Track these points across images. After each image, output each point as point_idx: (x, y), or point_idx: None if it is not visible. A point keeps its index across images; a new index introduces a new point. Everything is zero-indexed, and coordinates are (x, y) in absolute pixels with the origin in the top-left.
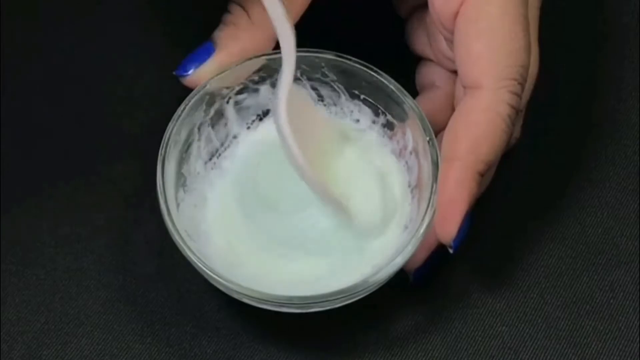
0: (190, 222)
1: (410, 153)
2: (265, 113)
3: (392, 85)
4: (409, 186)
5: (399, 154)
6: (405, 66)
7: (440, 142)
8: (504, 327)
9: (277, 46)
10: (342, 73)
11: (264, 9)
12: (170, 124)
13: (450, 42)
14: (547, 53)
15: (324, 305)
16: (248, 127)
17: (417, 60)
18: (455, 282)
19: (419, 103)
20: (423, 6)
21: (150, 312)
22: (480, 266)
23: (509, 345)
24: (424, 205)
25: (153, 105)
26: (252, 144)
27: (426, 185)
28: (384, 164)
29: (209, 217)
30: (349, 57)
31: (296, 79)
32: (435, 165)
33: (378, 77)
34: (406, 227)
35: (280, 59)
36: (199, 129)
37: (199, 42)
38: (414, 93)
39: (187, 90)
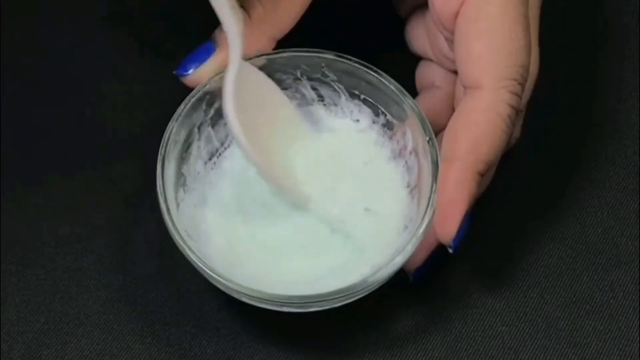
0: (190, 222)
1: (410, 153)
2: None
3: (392, 85)
4: (409, 186)
5: (399, 154)
6: (405, 66)
7: (440, 142)
8: (504, 327)
9: (277, 46)
10: (342, 73)
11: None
12: (170, 123)
13: (450, 42)
14: (547, 53)
15: (324, 305)
16: None
17: (417, 60)
18: (455, 282)
19: (419, 103)
20: (423, 6)
21: (150, 312)
22: (480, 266)
23: (509, 345)
24: (423, 205)
25: (153, 105)
26: None
27: (426, 185)
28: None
29: (209, 217)
30: (349, 57)
31: (296, 79)
32: (435, 165)
33: (378, 77)
34: (406, 227)
35: (279, 59)
36: (199, 128)
37: (199, 42)
38: (414, 93)
39: (187, 90)
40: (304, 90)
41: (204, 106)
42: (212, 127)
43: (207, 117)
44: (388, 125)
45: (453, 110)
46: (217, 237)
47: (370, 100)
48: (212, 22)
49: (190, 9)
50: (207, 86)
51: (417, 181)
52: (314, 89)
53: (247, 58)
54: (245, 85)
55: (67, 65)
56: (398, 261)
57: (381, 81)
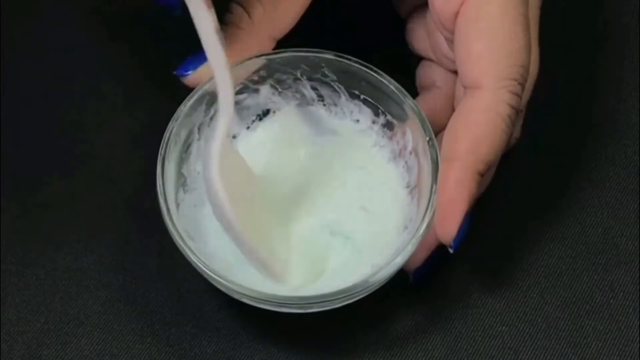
0: (190, 222)
1: (410, 153)
2: (265, 113)
3: (392, 85)
4: (409, 186)
5: (399, 154)
6: (405, 66)
7: (440, 142)
8: (504, 327)
9: (277, 46)
10: (342, 73)
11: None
12: (170, 123)
13: (450, 42)
14: (547, 53)
15: (324, 306)
16: (248, 127)
17: (417, 60)
18: (455, 282)
19: (419, 103)
20: (423, 6)
21: (150, 312)
22: (480, 266)
23: (509, 345)
24: (423, 205)
25: (153, 105)
26: (252, 144)
27: (426, 186)
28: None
29: (209, 217)
30: (349, 57)
31: (296, 79)
32: (435, 165)
33: (378, 77)
34: (406, 227)
35: (279, 59)
36: (198, 128)
37: (199, 42)
38: (414, 93)
39: (187, 90)
40: (304, 91)
41: (203, 106)
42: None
43: (207, 117)
44: (388, 126)
45: (453, 110)
46: (217, 237)
47: (370, 100)
48: None
49: None
50: (207, 86)
51: (417, 181)
52: (314, 89)
53: (247, 58)
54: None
55: (68, 65)
56: (398, 261)
57: (381, 81)
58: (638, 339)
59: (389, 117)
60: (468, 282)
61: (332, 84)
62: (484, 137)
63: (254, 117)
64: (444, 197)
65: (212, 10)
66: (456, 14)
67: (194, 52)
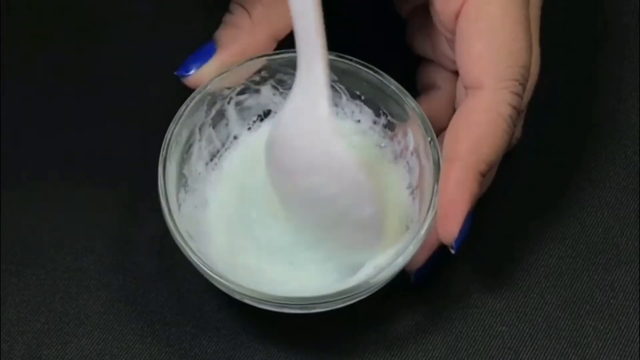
0: (191, 222)
1: (412, 154)
2: (267, 114)
3: (393, 85)
4: (410, 187)
5: (400, 155)
6: (406, 66)
7: (441, 143)
8: (504, 327)
9: (278, 47)
10: (343, 73)
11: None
12: (171, 124)
13: (451, 42)
14: (547, 53)
15: (325, 306)
16: (249, 128)
17: (418, 60)
18: (455, 282)
19: (420, 103)
20: (424, 6)
21: (150, 312)
22: (480, 266)
23: (509, 345)
24: (425, 206)
25: (154, 106)
26: (253, 145)
27: (427, 186)
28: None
29: (210, 218)
30: (349, 57)
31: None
32: (437, 165)
33: (379, 77)
34: (407, 228)
35: (280, 59)
36: (200, 129)
37: (200, 43)
38: (415, 93)
39: (189, 91)
40: None
41: (205, 107)
42: (213, 127)
43: (208, 117)
44: (389, 126)
45: (454, 110)
46: (218, 237)
47: (372, 100)
48: (214, 23)
49: (191, 9)
50: (209, 87)
51: (419, 182)
52: None
53: (248, 59)
54: None
55: (68, 66)
56: (400, 262)
57: (382, 81)
58: (638, 339)
59: (390, 117)
60: (468, 282)
61: (333, 84)
62: (485, 138)
63: (255, 118)
64: (445, 198)
65: None
66: (457, 14)
67: (195, 53)
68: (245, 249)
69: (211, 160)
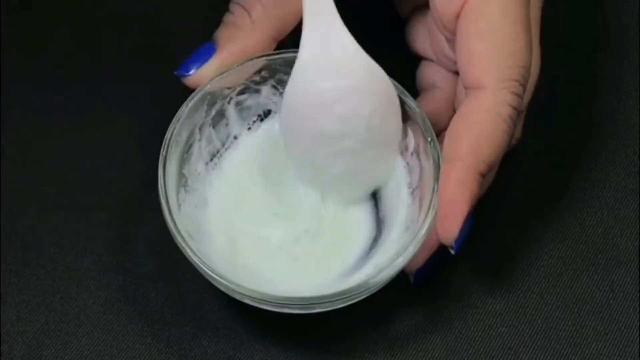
0: (191, 222)
1: (412, 154)
2: (267, 114)
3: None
4: (410, 187)
5: (400, 155)
6: (405, 66)
7: (441, 143)
8: (504, 328)
9: (278, 46)
10: None
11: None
12: (171, 124)
13: (451, 42)
14: (547, 53)
15: (325, 307)
16: (249, 128)
17: (417, 60)
18: (455, 282)
19: (419, 104)
20: (424, 6)
21: (150, 312)
22: (480, 266)
23: (509, 345)
24: (425, 206)
25: (154, 106)
26: (253, 145)
27: (427, 186)
28: None
29: (210, 218)
30: None
31: None
32: (437, 165)
33: None
34: (407, 228)
35: (280, 59)
36: (200, 129)
37: (200, 43)
38: (415, 93)
39: (188, 91)
40: None
41: (205, 107)
42: (214, 127)
43: (208, 117)
44: None
45: (454, 110)
46: (219, 237)
47: None
48: (214, 22)
49: (191, 9)
50: (208, 86)
51: (419, 182)
52: None
53: (248, 59)
54: None
55: (68, 66)
56: (400, 262)
57: None
58: (638, 339)
59: None
60: (468, 282)
61: None
62: (485, 138)
63: (255, 118)
64: (445, 198)
65: None
66: (457, 15)
67: (195, 52)
68: (245, 249)
69: (211, 160)
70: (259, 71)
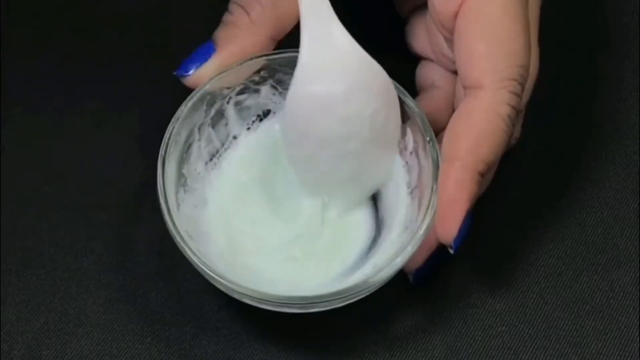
0: (190, 222)
1: (411, 153)
2: (266, 113)
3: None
4: (409, 187)
5: (399, 155)
6: (405, 66)
7: (440, 142)
8: (503, 327)
9: (277, 46)
10: None
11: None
12: (170, 124)
13: (450, 42)
14: (547, 53)
15: (325, 306)
16: (248, 128)
17: (417, 60)
18: (455, 282)
19: (418, 103)
20: (423, 6)
21: (150, 312)
22: (480, 266)
23: (508, 345)
24: (424, 205)
25: (154, 106)
26: (253, 145)
27: (426, 186)
28: None
29: (209, 218)
30: None
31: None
32: (436, 165)
33: None
34: (406, 228)
35: (280, 59)
36: (199, 129)
37: (199, 43)
38: (414, 93)
39: (188, 90)
40: None
41: (204, 106)
42: (213, 127)
43: (208, 117)
44: None
45: (453, 110)
46: (218, 237)
47: None
48: (213, 22)
49: (190, 9)
50: (208, 86)
51: (418, 182)
52: None
53: (247, 58)
54: None
55: (68, 65)
56: (398, 262)
57: None
58: (638, 339)
59: None
60: (468, 282)
61: None
62: (484, 138)
63: (254, 118)
64: (444, 197)
65: None
66: (456, 14)
67: (194, 52)
68: (245, 249)
69: (210, 160)
70: (258, 71)
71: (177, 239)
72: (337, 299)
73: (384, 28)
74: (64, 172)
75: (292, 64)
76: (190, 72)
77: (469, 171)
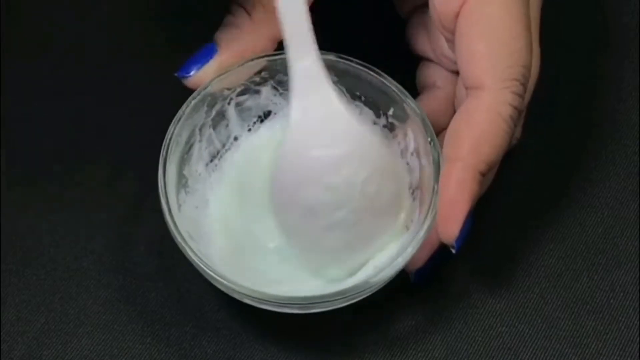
0: (191, 223)
1: (412, 154)
2: (267, 115)
3: (393, 86)
4: (410, 187)
5: (400, 155)
6: (405, 66)
7: (441, 143)
8: (504, 328)
9: (278, 47)
10: (343, 74)
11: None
12: (171, 125)
13: (450, 42)
14: (547, 53)
15: (325, 306)
16: (249, 129)
17: (417, 60)
18: (455, 282)
19: (419, 103)
20: (424, 6)
21: (150, 312)
22: (480, 266)
23: (509, 345)
24: (425, 206)
25: (154, 106)
26: (253, 146)
27: (428, 186)
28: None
29: (210, 219)
30: (349, 58)
31: None
32: (437, 166)
33: (379, 77)
34: (407, 228)
35: (281, 60)
36: (200, 130)
37: (200, 43)
38: (415, 94)
39: (189, 91)
40: None
41: (205, 108)
42: (214, 128)
43: (209, 118)
44: (389, 126)
45: (454, 110)
46: (219, 238)
47: (371, 101)
48: (214, 23)
49: (191, 10)
50: (209, 88)
51: (419, 182)
52: None
53: (248, 59)
54: None
55: (68, 66)
56: (400, 262)
57: (382, 82)
58: (638, 339)
59: (390, 118)
60: (468, 282)
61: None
62: (486, 138)
63: (255, 119)
64: (446, 198)
65: None
66: (457, 15)
67: (196, 54)
68: (246, 250)
69: (211, 161)
70: (259, 72)
71: (178, 239)
72: (338, 299)
73: (384, 28)
74: (64, 172)
75: None
76: (192, 73)
77: (471, 171)
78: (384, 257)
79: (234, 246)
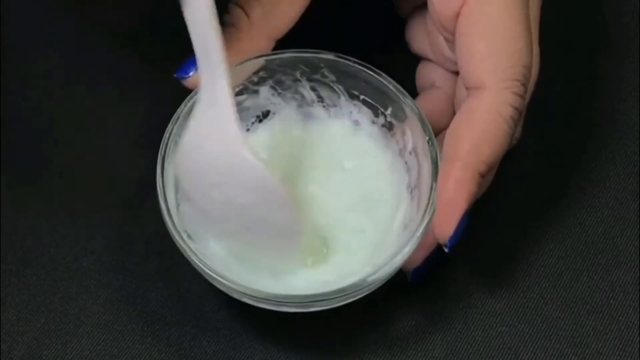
0: (190, 222)
1: (410, 153)
2: (265, 114)
3: (391, 85)
4: (409, 186)
5: (399, 154)
6: (405, 66)
7: (440, 143)
8: (504, 328)
9: (276, 47)
10: (342, 73)
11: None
12: (170, 124)
13: (450, 42)
14: (547, 53)
15: (324, 305)
16: (247, 129)
17: (417, 60)
18: (455, 282)
19: (418, 103)
20: (423, 6)
21: (150, 312)
22: (480, 266)
23: (509, 345)
24: (423, 205)
25: (154, 106)
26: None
27: (426, 185)
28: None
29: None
30: (348, 57)
31: (295, 80)
32: (435, 165)
33: (378, 77)
34: (405, 227)
35: (279, 60)
36: None
37: None
38: (414, 93)
39: (188, 90)
40: (303, 91)
41: None
42: None
43: None
44: (388, 126)
45: (453, 110)
46: (217, 237)
47: (370, 100)
48: None
49: None
50: None
51: (417, 181)
52: (313, 89)
53: (246, 59)
54: None
55: (68, 66)
56: (397, 261)
57: (381, 81)
58: (638, 339)
59: (388, 117)
60: (468, 282)
61: (332, 84)
62: (486, 138)
63: (253, 119)
64: (444, 197)
65: None
66: (456, 15)
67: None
68: (244, 249)
69: None
70: (257, 72)
71: (177, 239)
72: (336, 297)
73: (384, 28)
74: (64, 172)
75: (291, 64)
76: (191, 74)
77: (470, 171)
78: (383, 255)
79: (233, 245)
